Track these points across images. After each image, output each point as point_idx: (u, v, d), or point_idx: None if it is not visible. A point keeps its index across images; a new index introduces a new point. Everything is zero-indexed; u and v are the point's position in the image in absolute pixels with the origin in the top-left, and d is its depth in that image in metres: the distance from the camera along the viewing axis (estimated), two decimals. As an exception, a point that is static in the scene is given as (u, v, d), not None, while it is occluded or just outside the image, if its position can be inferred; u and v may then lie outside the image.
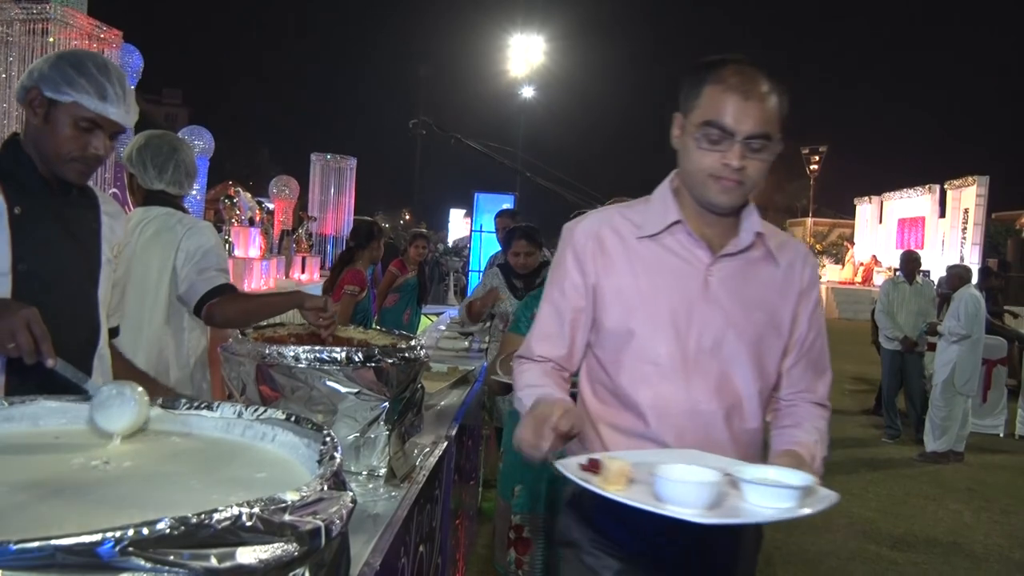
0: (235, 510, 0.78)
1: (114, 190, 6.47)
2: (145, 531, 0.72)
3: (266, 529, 0.81)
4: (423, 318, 8.09)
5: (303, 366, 2.01)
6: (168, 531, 0.73)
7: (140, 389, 1.23)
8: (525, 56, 30.50)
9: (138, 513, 0.93)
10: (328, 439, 1.10)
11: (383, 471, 2.09)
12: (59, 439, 1.19)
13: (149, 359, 2.63)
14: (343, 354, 2.02)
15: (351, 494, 0.96)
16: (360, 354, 2.03)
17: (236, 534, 0.78)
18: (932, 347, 7.63)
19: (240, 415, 1.25)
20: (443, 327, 6.46)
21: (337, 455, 1.04)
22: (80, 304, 1.87)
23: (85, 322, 1.89)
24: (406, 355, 2.15)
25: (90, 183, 1.96)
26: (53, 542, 0.69)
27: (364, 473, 2.10)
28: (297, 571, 0.83)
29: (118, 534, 0.71)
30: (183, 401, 1.29)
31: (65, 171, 1.79)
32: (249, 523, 0.79)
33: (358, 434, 2.04)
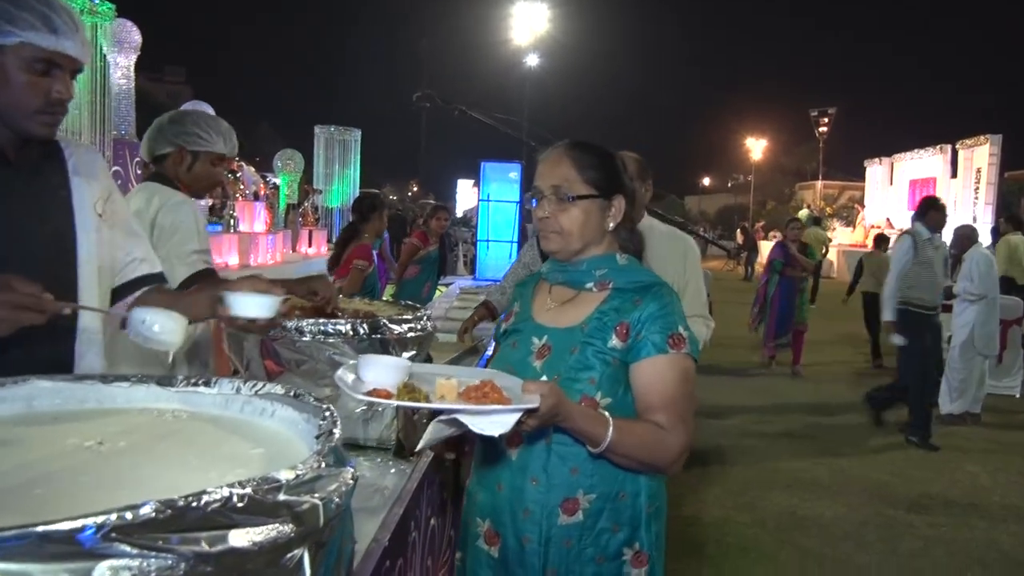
0: (225, 491, 0.74)
1: (116, 168, 6.40)
2: (129, 515, 0.68)
3: (259, 510, 0.77)
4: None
5: (307, 339, 2.00)
6: (154, 515, 0.69)
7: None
8: (529, 24, 30.13)
9: (130, 495, 0.89)
10: (328, 414, 1.06)
11: (392, 443, 2.07)
12: (57, 420, 1.15)
13: None
14: (348, 326, 2.00)
15: (351, 470, 0.92)
16: (365, 325, 2.00)
17: (228, 516, 0.74)
18: (947, 308, 7.55)
19: (239, 391, 1.21)
20: (455, 297, 6.43)
21: (336, 430, 0.99)
22: (52, 289, 1.52)
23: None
24: (412, 325, 2.12)
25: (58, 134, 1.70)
26: (32, 529, 0.65)
27: (373, 446, 2.08)
28: (295, 552, 0.79)
29: (100, 519, 0.66)
30: (180, 378, 1.25)
31: (30, 126, 1.55)
32: (241, 504, 0.75)
33: (365, 407, 2.02)
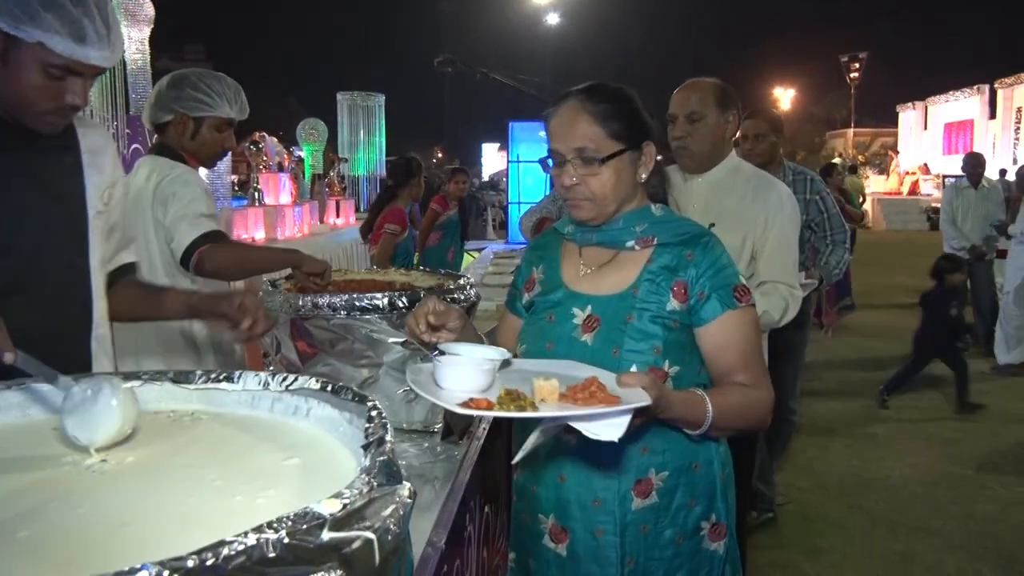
0: (251, 539, 0.56)
1: (136, 146, 6.25)
2: (119, 588, 0.49)
3: (298, 558, 0.58)
4: (465, 255, 7.90)
5: (342, 316, 1.84)
6: (154, 584, 0.50)
7: (124, 387, 0.96)
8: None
9: (138, 532, 0.72)
10: (375, 412, 0.88)
11: (438, 427, 1.93)
12: (55, 432, 0.98)
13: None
14: (385, 300, 1.85)
15: (408, 486, 0.74)
16: (404, 298, 1.86)
17: (257, 572, 0.56)
18: (1002, 254, 7.21)
19: (266, 386, 1.03)
20: (488, 262, 6.27)
21: (388, 436, 0.81)
22: (67, 279, 1.55)
23: (75, 299, 1.58)
24: (455, 295, 1.97)
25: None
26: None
27: (418, 431, 1.94)
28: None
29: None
30: (199, 374, 1.07)
31: (35, 123, 1.46)
32: (274, 554, 0.57)
33: (408, 388, 1.83)
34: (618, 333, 1.53)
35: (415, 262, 5.80)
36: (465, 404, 1.17)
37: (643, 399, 1.23)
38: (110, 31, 1.43)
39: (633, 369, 1.43)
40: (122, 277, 1.75)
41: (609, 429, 1.18)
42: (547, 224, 3.84)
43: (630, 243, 1.60)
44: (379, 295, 1.85)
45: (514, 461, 1.41)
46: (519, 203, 10.68)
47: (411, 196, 5.37)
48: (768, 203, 2.51)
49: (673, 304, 1.54)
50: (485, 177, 27.19)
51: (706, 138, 2.53)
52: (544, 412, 1.19)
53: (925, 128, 28.80)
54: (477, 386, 1.24)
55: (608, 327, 1.55)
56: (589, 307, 1.58)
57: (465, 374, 1.25)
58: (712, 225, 2.45)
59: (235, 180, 10.47)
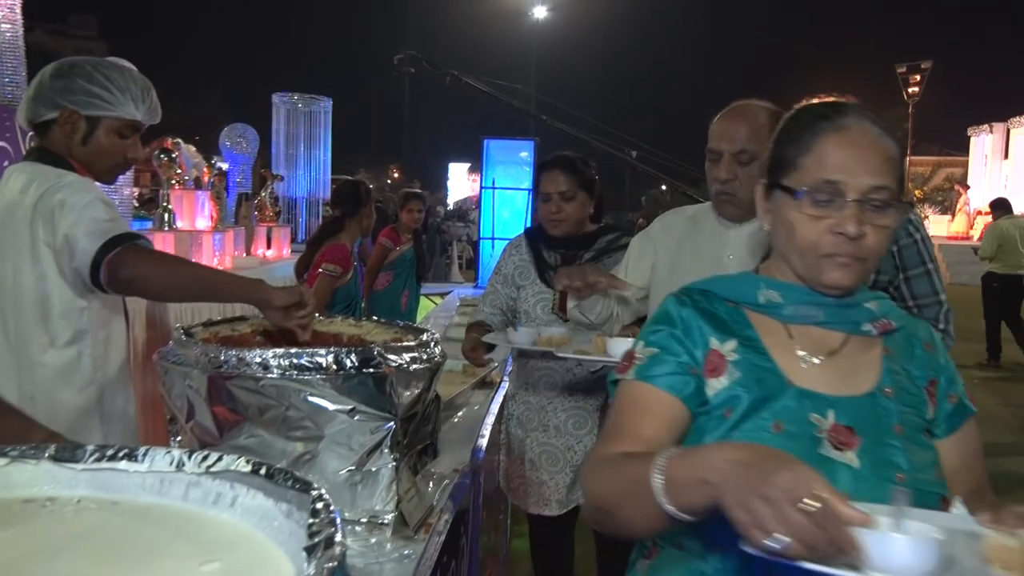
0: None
1: (1, 144, 6.13)
2: None
3: None
4: (423, 300, 7.92)
5: (275, 376, 1.84)
6: None
7: None
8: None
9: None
10: (321, 504, 0.87)
11: (390, 518, 1.93)
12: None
13: (21, 384, 2.28)
14: (330, 357, 1.84)
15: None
16: (354, 356, 1.85)
17: None
18: None
19: (180, 466, 1.01)
20: (453, 310, 6.28)
21: (339, 535, 0.81)
22: None
23: None
24: (417, 354, 1.98)
25: None
26: None
27: (364, 522, 1.93)
28: None
29: None
30: (88, 450, 1.05)
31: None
32: None
33: (353, 468, 1.90)
34: (891, 450, 1.44)
35: (363, 310, 5.79)
36: None
37: None
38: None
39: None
40: None
41: None
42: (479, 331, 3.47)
43: (867, 326, 1.53)
44: (322, 351, 1.84)
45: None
46: (492, 239, 10.76)
47: (359, 229, 5.37)
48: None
49: (930, 410, 1.52)
50: (451, 204, 27.39)
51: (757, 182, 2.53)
52: None
53: (1006, 156, 29.30)
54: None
55: (873, 442, 1.43)
56: (832, 413, 1.45)
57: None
58: None
59: (137, 196, 10.44)
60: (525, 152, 10.91)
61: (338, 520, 0.82)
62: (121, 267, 2.15)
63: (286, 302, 2.10)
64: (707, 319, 1.54)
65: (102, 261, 2.15)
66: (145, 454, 1.04)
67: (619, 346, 2.48)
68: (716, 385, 1.49)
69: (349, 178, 5.72)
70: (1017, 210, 25.33)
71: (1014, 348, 10.61)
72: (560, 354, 2.73)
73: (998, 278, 10.63)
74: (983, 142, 30.64)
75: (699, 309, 1.55)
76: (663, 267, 2.73)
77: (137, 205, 9.81)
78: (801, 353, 1.51)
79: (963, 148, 32.81)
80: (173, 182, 7.90)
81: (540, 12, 31.76)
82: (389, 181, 38.87)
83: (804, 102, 1.59)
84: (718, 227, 2.62)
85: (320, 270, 4.98)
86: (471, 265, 15.05)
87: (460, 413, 3.23)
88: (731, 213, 2.58)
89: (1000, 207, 11.73)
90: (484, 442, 2.76)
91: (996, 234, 10.90)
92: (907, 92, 38.88)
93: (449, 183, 33.57)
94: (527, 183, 10.68)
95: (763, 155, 2.45)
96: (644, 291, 2.80)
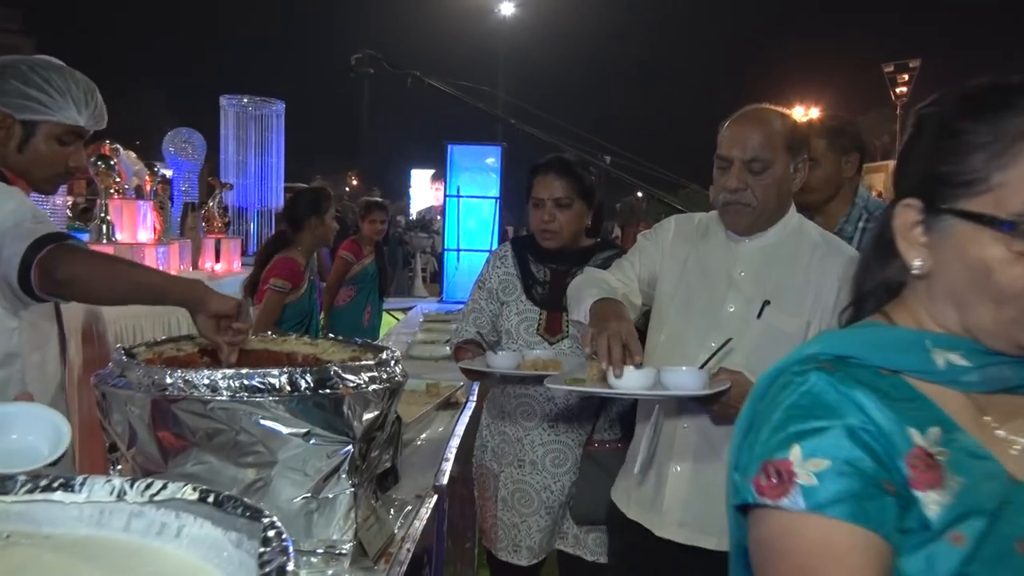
0: None
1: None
2: None
3: None
4: (384, 316, 7.92)
5: (224, 399, 1.84)
6: None
7: None
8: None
9: None
10: (273, 532, 0.88)
11: (348, 547, 1.94)
12: None
13: None
14: (284, 378, 1.85)
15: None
16: (309, 376, 1.86)
17: None
18: None
19: (122, 495, 1.02)
20: (416, 327, 6.29)
21: (290, 565, 0.82)
22: None
23: None
24: (376, 373, 1.99)
25: None
26: None
27: (320, 552, 1.93)
28: None
29: None
30: (20, 480, 1.05)
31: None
32: None
33: (309, 495, 1.91)
34: None
35: (319, 327, 5.76)
36: None
37: None
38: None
39: None
40: None
41: None
42: (466, 354, 3.21)
43: None
44: (275, 371, 1.84)
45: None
46: (458, 251, 10.76)
47: (315, 241, 5.33)
48: (841, 275, 2.40)
49: None
50: (413, 214, 27.42)
51: (771, 193, 2.51)
52: None
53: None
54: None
55: None
56: None
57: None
58: (767, 303, 2.47)
59: (72, 205, 10.32)
60: (492, 158, 10.92)
61: (291, 548, 0.83)
62: (55, 267, 2.10)
63: (220, 310, 2.07)
64: (886, 401, 1.16)
65: (32, 262, 2.10)
66: (83, 484, 1.04)
67: (626, 376, 2.24)
68: (934, 501, 1.10)
69: (305, 185, 5.69)
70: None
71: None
72: (551, 385, 2.40)
73: None
74: (979, 146, 31.05)
75: (870, 387, 1.16)
76: (668, 281, 2.68)
77: (71, 215, 9.70)
78: (1001, 433, 1.20)
79: (956, 152, 33.11)
80: (112, 191, 7.83)
81: (507, 9, 31.88)
82: (347, 189, 38.90)
83: (985, 80, 1.22)
84: (726, 240, 2.61)
85: (268, 286, 4.95)
86: (435, 279, 15.03)
87: (423, 436, 3.23)
88: (740, 225, 2.56)
89: None
90: (448, 466, 2.76)
91: None
92: (895, 92, 39.28)
93: (412, 191, 33.63)
94: (495, 191, 10.70)
95: (776, 164, 2.46)
96: (646, 307, 2.72)
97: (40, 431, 1.39)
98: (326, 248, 7.00)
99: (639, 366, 2.25)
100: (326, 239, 5.39)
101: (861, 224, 3.33)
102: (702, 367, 2.32)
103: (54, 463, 1.35)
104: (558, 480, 3.23)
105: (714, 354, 2.37)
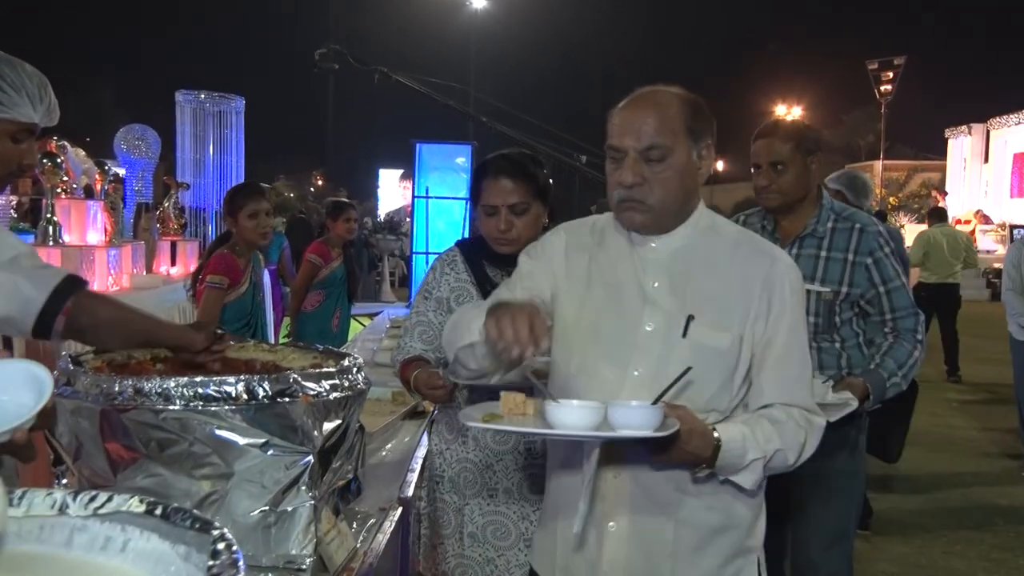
0: None
1: None
2: None
3: None
4: (352, 321, 7.90)
5: (177, 408, 1.84)
6: None
7: None
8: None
9: None
10: (222, 544, 0.88)
11: (308, 562, 1.93)
12: None
13: None
14: (240, 385, 1.85)
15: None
16: (267, 384, 1.86)
17: None
18: None
19: (63, 509, 1.02)
20: (383, 333, 6.27)
21: (240, 574, 0.81)
22: None
23: None
24: (337, 381, 2.00)
25: None
26: None
27: (279, 567, 1.93)
28: None
29: None
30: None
31: None
32: None
33: (267, 508, 1.90)
34: None
35: (266, 330, 5.68)
36: None
37: None
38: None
39: None
40: None
41: None
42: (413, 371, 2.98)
43: None
44: (232, 379, 1.84)
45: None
46: (427, 253, 10.77)
47: (245, 239, 5.18)
48: (771, 280, 2.26)
49: None
50: (381, 215, 27.38)
51: (672, 186, 2.24)
52: None
53: (986, 160, 29.82)
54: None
55: None
56: None
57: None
58: (691, 319, 2.17)
59: (16, 204, 10.23)
60: (462, 158, 10.95)
61: (241, 562, 0.83)
62: (79, 315, 2.13)
63: (209, 342, 2.13)
64: None
65: (58, 311, 2.11)
66: (22, 497, 1.04)
67: (566, 411, 1.98)
68: None
69: (268, 185, 5.64)
70: (997, 219, 25.95)
71: (992, 369, 10.91)
72: (466, 421, 2.05)
73: (925, 287, 11.19)
74: (961, 144, 31.27)
75: None
76: (567, 304, 2.32)
77: (16, 216, 9.64)
78: None
79: (940, 151, 33.41)
80: (58, 190, 7.77)
81: (479, 2, 31.85)
82: (312, 189, 38.72)
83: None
84: (629, 245, 2.32)
85: (205, 283, 4.93)
86: (404, 283, 15.04)
87: (388, 446, 3.24)
88: (639, 224, 2.26)
89: (935, 215, 12.83)
90: (414, 477, 2.76)
91: (923, 241, 11.67)
92: (879, 90, 39.52)
93: (380, 191, 33.60)
94: (464, 191, 10.72)
95: (676, 152, 2.18)
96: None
97: (18, 385, 1.39)
98: (289, 250, 6.95)
99: (545, 354, 2.06)
100: (252, 239, 5.19)
101: (831, 224, 3.34)
102: (655, 402, 2.00)
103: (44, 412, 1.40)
104: (537, 508, 2.87)
105: (671, 385, 2.05)
